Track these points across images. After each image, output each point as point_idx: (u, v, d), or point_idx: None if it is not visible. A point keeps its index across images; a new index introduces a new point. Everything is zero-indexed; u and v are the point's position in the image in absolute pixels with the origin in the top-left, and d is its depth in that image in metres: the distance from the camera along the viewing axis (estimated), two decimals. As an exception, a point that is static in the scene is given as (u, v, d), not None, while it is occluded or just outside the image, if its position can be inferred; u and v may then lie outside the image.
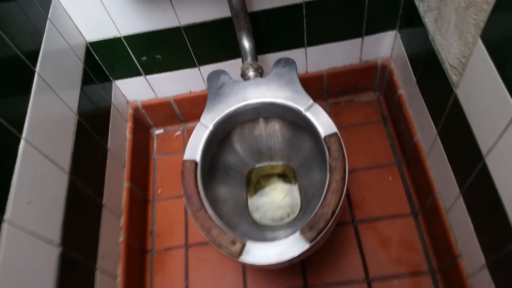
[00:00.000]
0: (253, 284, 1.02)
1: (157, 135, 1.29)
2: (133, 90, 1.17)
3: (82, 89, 0.94)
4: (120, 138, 1.12)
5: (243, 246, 0.68)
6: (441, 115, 0.85)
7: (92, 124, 0.95)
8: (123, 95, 1.18)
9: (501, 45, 0.60)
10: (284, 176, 1.00)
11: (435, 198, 0.94)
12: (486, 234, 0.73)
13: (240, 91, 0.86)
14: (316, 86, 1.22)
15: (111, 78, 1.11)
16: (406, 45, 1.01)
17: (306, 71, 1.17)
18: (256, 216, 0.93)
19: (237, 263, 1.05)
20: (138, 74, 1.11)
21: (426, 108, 0.93)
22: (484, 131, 0.67)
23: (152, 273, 1.06)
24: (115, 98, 1.12)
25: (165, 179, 1.20)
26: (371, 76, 1.20)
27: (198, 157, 0.79)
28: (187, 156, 0.79)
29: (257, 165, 0.99)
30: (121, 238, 0.99)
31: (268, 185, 1.01)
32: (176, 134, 1.28)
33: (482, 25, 0.64)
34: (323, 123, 0.79)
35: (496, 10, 0.59)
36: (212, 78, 0.89)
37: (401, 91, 1.10)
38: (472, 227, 0.77)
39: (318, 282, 1.00)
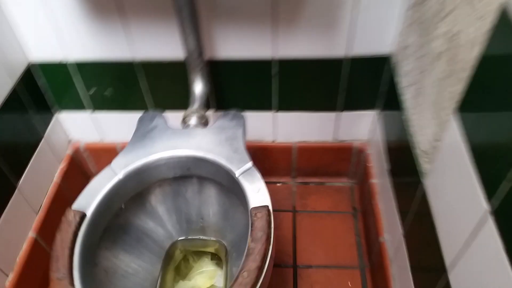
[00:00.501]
0: None
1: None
2: (77, 127, 1.04)
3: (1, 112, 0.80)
4: (42, 180, 0.95)
5: None
6: (407, 211, 0.68)
7: (3, 154, 0.80)
8: (65, 132, 1.05)
9: (475, 126, 0.45)
10: (215, 254, 0.82)
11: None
12: None
13: (171, 138, 0.71)
14: (284, 160, 1.07)
15: (51, 109, 0.99)
16: (385, 127, 0.88)
17: (274, 140, 1.03)
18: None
19: None
20: (84, 108, 0.99)
21: (395, 202, 0.76)
22: (449, 237, 0.50)
23: None
24: (51, 132, 0.98)
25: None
26: (346, 159, 1.05)
27: (90, 209, 0.62)
28: (76, 204, 0.62)
29: (183, 238, 0.81)
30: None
31: (195, 267, 0.82)
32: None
33: (457, 98, 0.50)
34: (257, 192, 0.62)
35: (473, 79, 0.46)
36: (144, 119, 0.75)
37: (374, 181, 0.94)
38: None
39: None
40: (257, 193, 0.62)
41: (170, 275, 0.77)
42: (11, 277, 0.82)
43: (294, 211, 1.04)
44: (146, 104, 0.96)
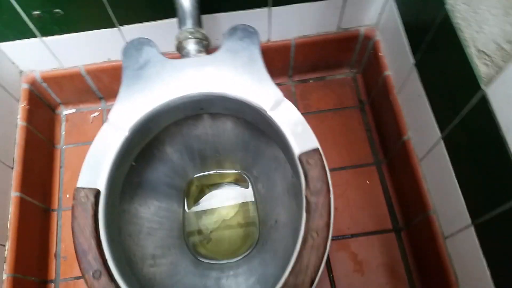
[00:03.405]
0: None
1: (66, 116, 0.97)
2: (27, 56, 0.83)
3: None
4: (6, 127, 0.79)
5: None
6: (453, 117, 0.62)
7: None
8: (13, 62, 0.84)
9: None
10: (235, 183, 0.75)
11: (429, 218, 0.73)
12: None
13: (173, 74, 0.56)
14: (280, 59, 0.94)
15: (-12, 40, 0.77)
16: (403, 10, 0.75)
17: (269, 39, 0.88)
18: (197, 246, 0.68)
19: None
20: (30, 35, 0.78)
21: (428, 103, 0.69)
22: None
23: (55, 313, 0.79)
24: (-3, 68, 0.78)
25: (76, 179, 0.89)
26: (350, 49, 0.94)
27: (102, 182, 0.50)
28: (83, 181, 0.50)
29: (199, 174, 0.72)
30: (6, 275, 0.70)
31: (214, 198, 0.75)
32: (93, 115, 0.96)
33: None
34: (296, 130, 0.52)
35: None
36: (130, 51, 0.59)
37: (389, 73, 0.85)
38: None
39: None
40: (299, 133, 0.52)
41: (192, 214, 0.70)
42: (9, 245, 0.72)
43: (298, 114, 0.96)
44: (112, 19, 0.76)
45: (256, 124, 0.59)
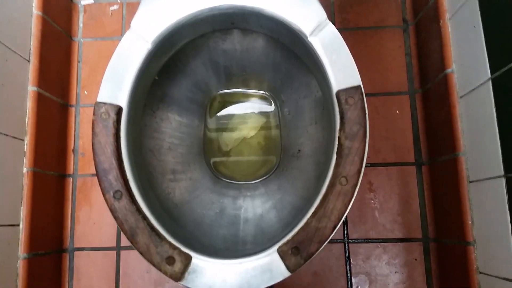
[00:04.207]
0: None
1: (85, 6, 0.89)
2: None
3: None
4: (21, 16, 0.73)
5: (186, 265, 0.43)
6: (510, 59, 0.55)
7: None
8: None
9: None
10: (260, 104, 0.71)
11: (457, 159, 0.70)
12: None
13: (205, -20, 0.49)
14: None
15: None
16: None
17: None
18: (216, 163, 0.67)
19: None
20: None
21: (483, 37, 0.62)
22: None
23: (74, 205, 0.82)
24: None
25: (95, 75, 0.86)
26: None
27: (124, 98, 0.47)
28: (104, 95, 0.47)
29: (223, 91, 0.68)
30: (26, 169, 0.71)
31: (236, 116, 0.72)
32: (112, 8, 0.89)
33: None
34: (338, 61, 0.47)
35: None
36: None
37: (443, -7, 0.75)
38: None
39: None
40: (341, 66, 0.46)
41: (213, 131, 0.68)
42: (28, 140, 0.72)
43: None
44: None
45: (291, 47, 0.53)
